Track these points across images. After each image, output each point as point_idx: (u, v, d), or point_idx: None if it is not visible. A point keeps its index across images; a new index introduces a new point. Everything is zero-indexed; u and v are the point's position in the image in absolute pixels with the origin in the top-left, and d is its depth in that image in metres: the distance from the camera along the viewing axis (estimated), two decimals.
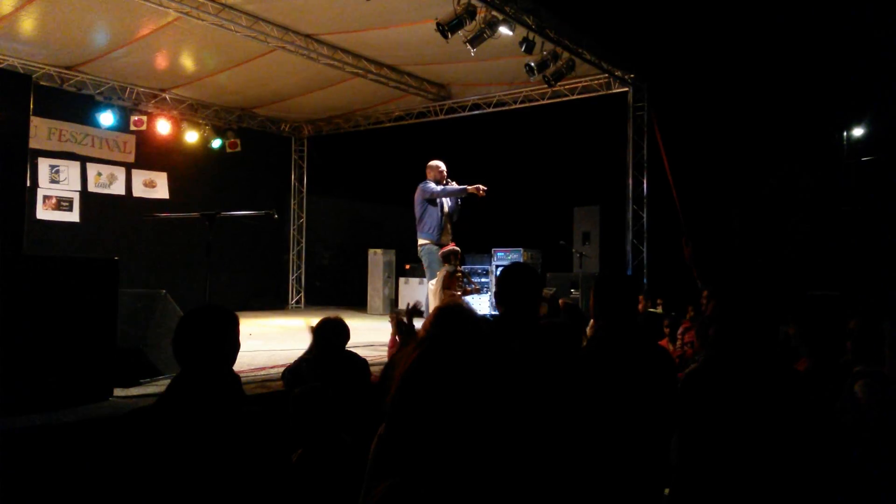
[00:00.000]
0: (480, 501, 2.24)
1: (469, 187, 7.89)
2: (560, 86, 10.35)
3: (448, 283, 8.96)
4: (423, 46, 9.32)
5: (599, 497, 2.69)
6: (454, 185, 8.00)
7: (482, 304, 11.46)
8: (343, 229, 15.30)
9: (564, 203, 11.82)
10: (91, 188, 11.16)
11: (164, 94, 11.67)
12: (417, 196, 7.99)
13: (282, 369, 4.76)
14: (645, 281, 10.33)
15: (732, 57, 10.46)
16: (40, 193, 10.54)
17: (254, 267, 13.53)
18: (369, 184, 14.19)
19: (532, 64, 8.93)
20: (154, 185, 12.01)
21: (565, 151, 12.03)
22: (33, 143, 8.50)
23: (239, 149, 12.87)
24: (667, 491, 2.81)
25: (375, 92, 11.60)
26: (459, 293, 8.89)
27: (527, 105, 11.60)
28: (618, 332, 2.91)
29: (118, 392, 4.59)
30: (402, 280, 12.82)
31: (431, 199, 7.91)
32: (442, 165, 8.06)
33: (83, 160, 11.10)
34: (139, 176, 11.82)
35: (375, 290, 12.91)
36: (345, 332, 4.03)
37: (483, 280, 11.71)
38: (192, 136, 12.22)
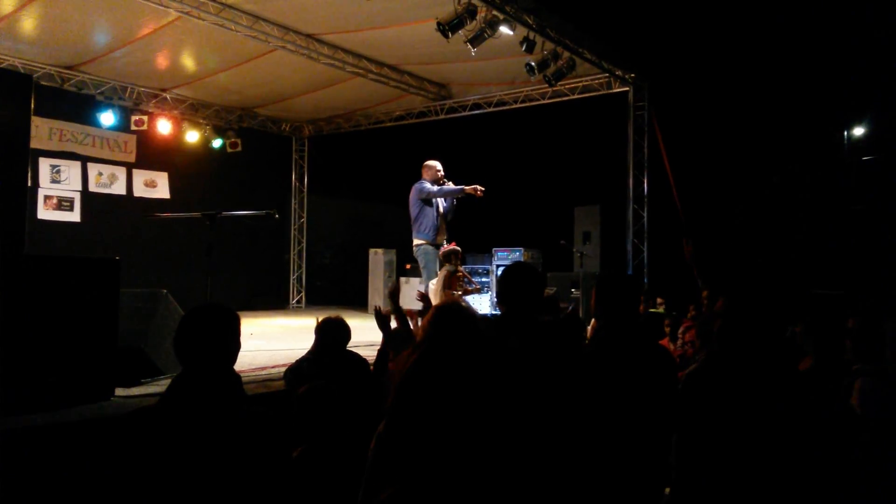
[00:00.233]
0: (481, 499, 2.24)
1: (467, 188, 7.85)
2: (560, 85, 10.35)
3: (449, 283, 8.96)
4: (423, 46, 9.32)
5: (600, 497, 2.69)
6: (451, 186, 7.98)
7: (483, 303, 11.46)
8: (344, 229, 15.30)
9: (565, 203, 11.81)
10: (92, 188, 11.17)
11: (164, 94, 11.68)
12: (413, 196, 7.96)
13: (283, 369, 4.77)
14: (646, 281, 10.33)
15: (733, 56, 10.45)
16: (41, 193, 10.55)
17: (254, 267, 13.53)
18: (370, 183, 14.18)
19: (533, 63, 8.93)
20: (155, 185, 12.01)
21: (566, 151, 12.02)
22: (34, 143, 8.48)
23: (240, 148, 12.87)
24: (667, 490, 2.81)
25: (376, 92, 11.60)
26: (460, 293, 8.90)
27: (527, 105, 11.60)
28: (619, 332, 2.91)
29: (119, 392, 4.60)
30: (402, 279, 12.80)
31: (427, 200, 7.89)
32: (438, 165, 8.04)
33: (84, 160, 11.10)
34: (140, 176, 11.82)
35: (376, 289, 12.91)
36: (346, 332, 4.04)
37: (483, 280, 11.71)
38: (192, 136, 12.23)
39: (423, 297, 5.30)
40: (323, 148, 14.76)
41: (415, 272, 12.19)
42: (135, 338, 5.07)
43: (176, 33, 8.91)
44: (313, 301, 14.62)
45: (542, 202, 12.29)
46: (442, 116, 12.54)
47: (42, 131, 10.36)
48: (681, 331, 7.52)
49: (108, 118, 10.92)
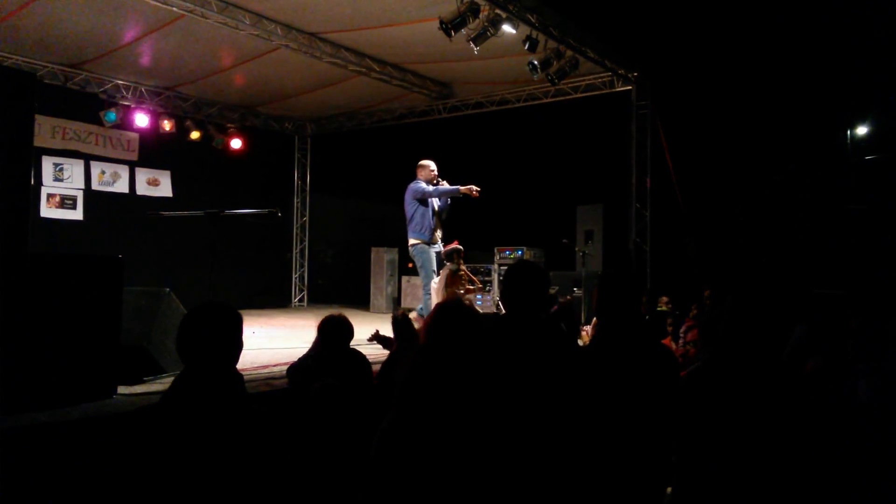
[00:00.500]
0: (484, 499, 2.25)
1: (462, 188, 7.96)
2: (563, 84, 10.34)
3: (451, 282, 8.98)
4: (426, 45, 9.32)
5: (602, 496, 2.69)
6: (446, 185, 8.07)
7: (485, 302, 11.46)
8: (346, 227, 15.30)
9: (567, 201, 11.80)
10: (95, 186, 11.18)
11: (167, 93, 11.69)
12: (408, 196, 8.06)
13: (285, 368, 4.77)
14: (648, 280, 10.32)
15: (736, 55, 10.43)
16: (44, 192, 10.56)
17: (257, 265, 13.55)
18: (372, 182, 14.17)
19: (535, 62, 8.92)
20: (158, 184, 12.02)
21: (568, 150, 12.00)
22: (37, 142, 8.51)
23: (242, 147, 12.89)
24: (669, 490, 2.81)
25: (378, 90, 11.60)
26: (462, 291, 8.91)
27: (530, 103, 11.59)
28: (620, 331, 2.91)
29: (122, 390, 4.61)
30: (404, 278, 12.82)
31: (423, 199, 7.97)
32: (433, 165, 8.14)
33: (87, 158, 11.11)
34: (143, 174, 11.83)
35: (378, 288, 12.92)
36: (349, 330, 4.05)
37: (485, 279, 11.71)
38: (195, 135, 12.22)
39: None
40: (325, 146, 14.77)
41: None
42: (137, 336, 5.09)
43: (179, 32, 8.91)
44: (315, 299, 14.63)
45: (545, 201, 12.27)
46: (444, 115, 12.53)
47: (45, 129, 10.38)
48: (682, 330, 7.53)
49: (110, 116, 10.94)
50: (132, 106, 11.26)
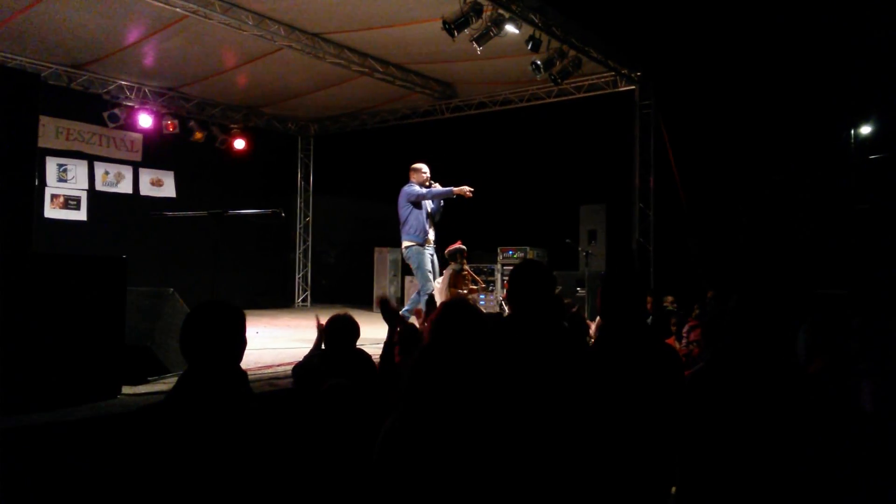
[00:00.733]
0: (488, 497, 2.25)
1: (455, 189, 8.09)
2: (566, 84, 10.34)
3: (454, 282, 8.99)
4: (429, 45, 9.32)
5: (607, 495, 2.69)
6: (439, 188, 8.18)
7: (488, 302, 11.46)
8: (349, 228, 15.30)
9: (570, 201, 11.80)
10: (98, 187, 11.21)
11: (170, 93, 11.70)
12: (402, 199, 8.20)
13: (289, 368, 4.78)
14: (651, 279, 10.31)
15: (739, 55, 10.42)
16: (48, 192, 10.59)
17: (260, 265, 13.57)
18: (375, 182, 14.16)
19: (538, 62, 8.91)
20: (161, 184, 12.04)
21: (571, 149, 11.99)
22: (41, 142, 8.50)
23: (245, 147, 12.91)
24: (673, 490, 2.81)
25: (381, 91, 11.60)
26: (465, 291, 8.91)
27: (533, 103, 11.58)
28: (624, 331, 2.91)
29: (126, 390, 4.62)
30: (408, 278, 12.82)
31: (416, 202, 8.05)
32: (425, 168, 8.30)
33: (91, 159, 11.14)
34: (146, 174, 11.85)
35: (381, 288, 12.91)
36: (355, 329, 4.05)
37: (488, 279, 11.71)
38: (198, 135, 12.24)
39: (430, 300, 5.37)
40: (328, 147, 14.78)
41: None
42: (141, 336, 5.10)
43: (182, 32, 8.93)
44: (318, 300, 14.64)
45: (548, 201, 12.27)
46: (447, 115, 12.53)
47: (49, 130, 10.40)
48: (685, 330, 7.52)
49: (114, 117, 10.96)
50: (136, 107, 11.28)
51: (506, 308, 10.69)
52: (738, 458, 2.55)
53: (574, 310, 7.21)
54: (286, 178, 14.65)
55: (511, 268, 9.48)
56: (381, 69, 10.44)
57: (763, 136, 10.78)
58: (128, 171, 11.62)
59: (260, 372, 5.63)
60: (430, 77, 11.40)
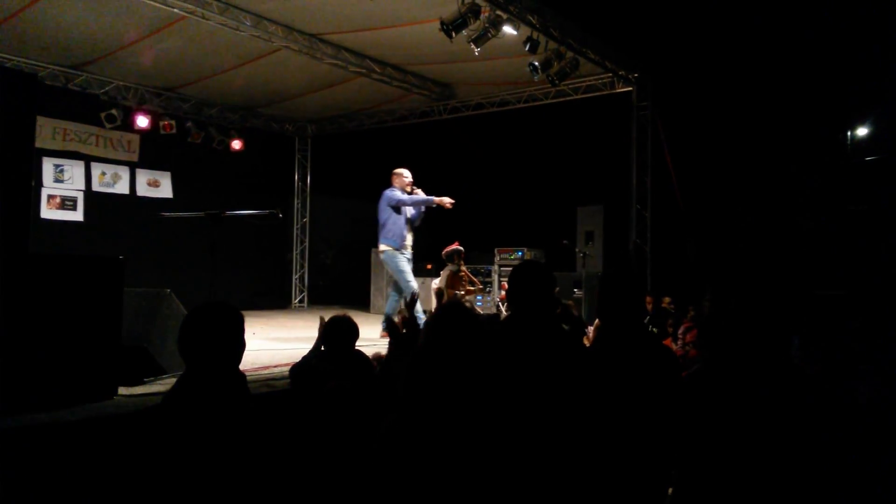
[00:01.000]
0: (486, 498, 2.25)
1: (435, 199, 8.26)
2: (564, 85, 10.34)
3: (451, 283, 9.00)
4: (426, 46, 9.32)
5: (603, 496, 2.69)
6: (420, 195, 8.33)
7: (485, 303, 11.46)
8: (346, 228, 15.30)
9: (568, 202, 11.81)
10: (95, 187, 11.18)
11: (168, 94, 11.69)
12: (382, 203, 8.32)
13: (286, 369, 4.77)
14: (648, 280, 10.32)
15: (736, 56, 10.44)
16: (44, 193, 10.56)
17: (257, 266, 13.55)
18: (373, 183, 14.14)
19: (536, 63, 8.92)
20: (158, 185, 12.02)
21: (569, 151, 12.01)
22: (37, 143, 8.50)
23: (243, 148, 12.89)
24: (670, 491, 2.81)
25: (379, 91, 11.60)
26: (462, 293, 8.92)
27: (531, 104, 11.59)
28: (623, 332, 2.90)
29: (122, 391, 4.61)
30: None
31: (396, 207, 8.11)
32: (407, 174, 8.42)
33: (87, 159, 11.11)
34: (143, 175, 11.83)
35: (378, 289, 12.91)
36: (355, 330, 4.05)
37: (486, 280, 11.71)
38: (196, 136, 12.23)
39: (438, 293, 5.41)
40: (326, 147, 14.77)
41: (417, 272, 12.19)
42: (138, 337, 5.10)
43: (180, 33, 8.92)
44: (316, 301, 14.63)
45: (545, 202, 12.28)
46: (445, 116, 12.52)
47: (46, 131, 10.38)
48: (681, 331, 7.54)
49: (111, 118, 10.94)
50: (133, 107, 11.26)
51: (503, 309, 10.70)
52: (735, 460, 2.55)
53: (575, 312, 7.22)
54: (283, 178, 14.64)
55: (509, 269, 9.49)
56: (378, 70, 10.44)
57: (760, 138, 10.79)
58: (125, 172, 11.60)
59: (256, 373, 5.62)
60: (428, 78, 11.41)
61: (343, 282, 14.78)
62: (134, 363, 4.93)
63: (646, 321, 7.70)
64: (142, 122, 11.32)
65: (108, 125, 11.03)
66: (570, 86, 10.83)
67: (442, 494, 2.21)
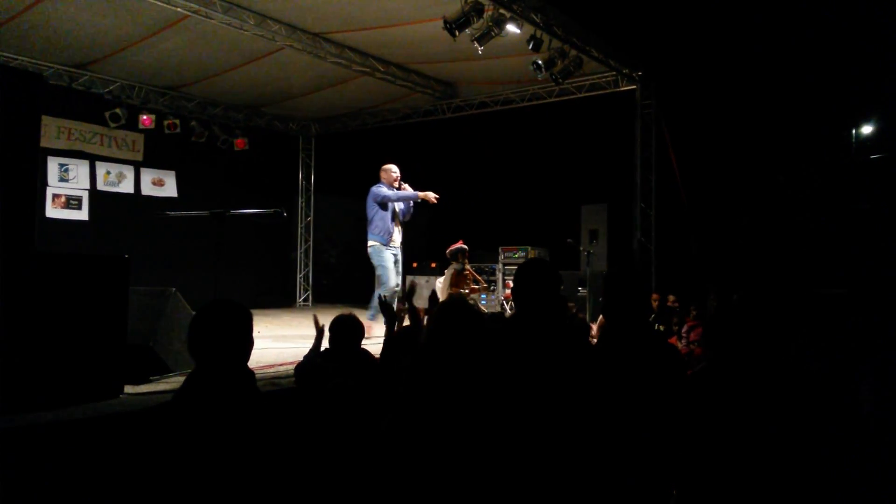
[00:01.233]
0: (488, 496, 2.26)
1: (420, 194, 8.29)
2: (567, 83, 10.34)
3: (455, 281, 9.00)
4: (430, 45, 9.32)
5: (607, 495, 2.70)
6: (407, 191, 8.34)
7: (489, 301, 11.46)
8: (350, 227, 15.25)
9: (572, 201, 11.81)
10: (100, 187, 11.21)
11: (172, 93, 11.71)
12: (369, 198, 8.32)
13: (290, 367, 4.78)
14: (653, 279, 10.31)
15: (741, 54, 10.42)
16: (49, 192, 10.59)
17: (261, 265, 13.58)
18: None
19: (539, 62, 8.92)
20: (163, 184, 12.05)
21: (573, 149, 11.99)
22: (42, 142, 8.52)
23: (247, 147, 12.91)
24: (675, 491, 2.81)
25: (383, 90, 11.61)
26: (467, 291, 8.93)
27: (534, 103, 11.58)
28: (628, 330, 2.91)
29: (128, 389, 4.62)
30: (409, 278, 12.82)
31: (383, 203, 8.13)
32: (395, 169, 8.46)
33: (92, 159, 11.13)
34: (148, 174, 11.85)
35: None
36: (360, 329, 4.06)
37: (490, 278, 11.72)
38: (200, 135, 12.25)
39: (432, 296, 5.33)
40: (329, 146, 14.78)
41: (422, 270, 12.22)
42: (143, 335, 5.11)
43: (184, 32, 8.94)
44: (320, 299, 14.65)
45: (549, 200, 12.27)
46: (448, 115, 12.52)
47: (50, 130, 10.41)
48: (684, 330, 7.54)
49: (115, 117, 10.96)
50: (137, 106, 11.28)
51: (507, 307, 10.70)
52: (740, 459, 2.55)
53: (576, 313, 7.22)
54: (287, 177, 14.65)
55: (513, 267, 9.49)
56: (382, 69, 10.45)
57: (764, 136, 10.77)
58: (129, 171, 11.62)
59: (262, 371, 5.63)
60: (431, 77, 11.41)
61: (347, 281, 14.78)
62: (139, 362, 4.95)
63: (651, 319, 7.71)
64: (146, 121, 11.34)
65: (112, 124, 11.05)
66: (574, 84, 10.82)
67: (444, 492, 2.21)
